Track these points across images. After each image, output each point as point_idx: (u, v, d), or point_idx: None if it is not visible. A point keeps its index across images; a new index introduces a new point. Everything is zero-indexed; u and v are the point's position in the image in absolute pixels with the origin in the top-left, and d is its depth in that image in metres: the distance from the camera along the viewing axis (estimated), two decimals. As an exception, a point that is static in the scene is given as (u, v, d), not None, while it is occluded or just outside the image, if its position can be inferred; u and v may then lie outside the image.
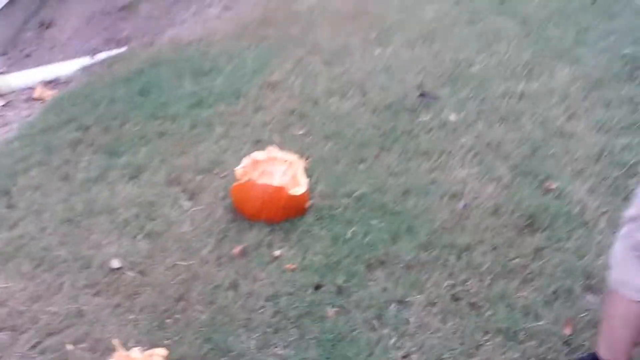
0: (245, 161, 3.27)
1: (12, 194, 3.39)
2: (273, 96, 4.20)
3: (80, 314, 2.65)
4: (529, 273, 2.73)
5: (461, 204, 3.15)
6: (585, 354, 2.26)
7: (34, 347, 2.51)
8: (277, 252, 2.93)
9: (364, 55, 4.53)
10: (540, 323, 2.49)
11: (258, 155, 3.31)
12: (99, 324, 2.59)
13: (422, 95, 4.06)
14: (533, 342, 2.41)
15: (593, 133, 3.54)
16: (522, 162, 3.39)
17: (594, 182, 3.18)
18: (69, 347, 2.48)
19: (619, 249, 2.00)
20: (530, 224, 2.98)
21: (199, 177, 3.47)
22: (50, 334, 2.56)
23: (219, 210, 3.21)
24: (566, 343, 2.40)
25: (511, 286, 2.66)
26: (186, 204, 3.28)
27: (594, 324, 2.44)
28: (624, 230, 1.98)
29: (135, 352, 2.38)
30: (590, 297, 2.60)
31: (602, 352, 2.11)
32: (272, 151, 3.33)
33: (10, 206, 3.31)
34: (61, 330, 2.57)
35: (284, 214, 3.11)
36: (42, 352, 2.47)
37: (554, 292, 2.62)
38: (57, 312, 2.65)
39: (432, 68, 4.29)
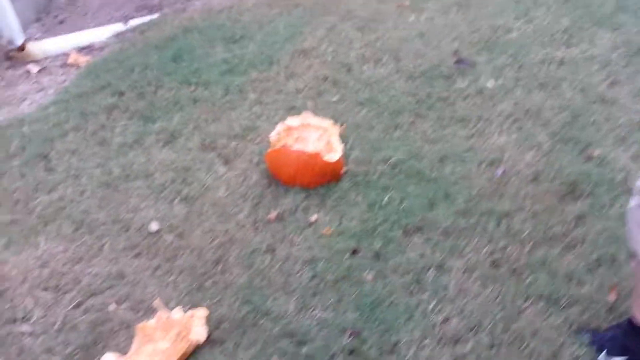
0: (280, 127, 3.26)
1: (50, 158, 3.41)
2: (306, 63, 4.16)
3: (121, 275, 2.67)
4: (571, 240, 2.69)
5: (499, 170, 3.11)
6: (621, 321, 2.23)
7: (77, 306, 2.54)
8: (313, 218, 2.92)
9: (397, 22, 4.46)
10: (583, 289, 2.46)
11: (292, 121, 3.29)
12: (139, 285, 2.61)
13: (458, 61, 3.99)
14: (576, 309, 2.38)
15: (636, 100, 3.46)
16: (562, 129, 3.32)
17: (638, 149, 3.11)
18: (112, 307, 2.50)
19: (637, 219, 1.95)
20: (572, 191, 2.94)
21: (233, 143, 3.47)
22: (92, 295, 2.59)
23: (254, 176, 3.20)
24: (610, 310, 2.37)
25: (552, 253, 2.63)
26: (221, 169, 3.28)
27: (639, 291, 2.42)
28: (636, 201, 1.94)
29: (176, 312, 2.41)
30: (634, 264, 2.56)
31: (638, 317, 2.08)
32: (306, 117, 3.31)
33: (48, 170, 3.34)
34: (103, 291, 2.60)
35: (318, 180, 3.10)
36: (85, 312, 2.50)
37: (597, 259, 2.58)
38: (99, 274, 2.68)
39: (468, 34, 4.22)
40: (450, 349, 2.27)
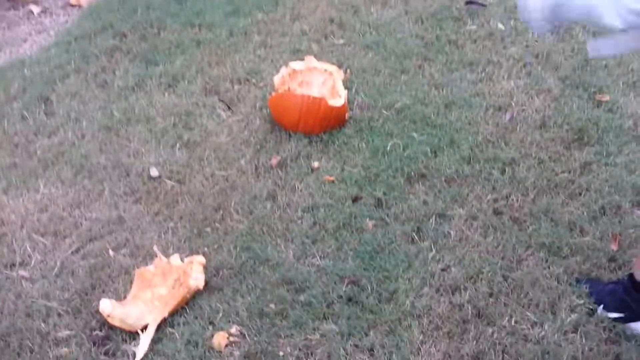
0: (284, 71, 3.19)
1: (51, 101, 3.38)
2: (312, 4, 4.06)
3: (120, 220, 2.66)
4: (576, 188, 2.64)
5: (507, 116, 3.04)
6: (622, 277, 2.20)
7: (76, 251, 2.54)
8: (315, 164, 2.89)
9: (407, -39, 4.31)
10: (585, 239, 2.42)
11: (296, 64, 3.22)
12: (139, 230, 2.61)
13: (468, 2, 3.87)
14: (577, 258, 2.35)
15: (650, 44, 3.35)
16: (572, 73, 3.23)
17: (649, 95, 3.03)
18: (111, 252, 2.50)
19: None
20: (579, 138, 2.87)
21: (236, 87, 3.41)
22: (91, 240, 2.58)
23: (257, 121, 3.16)
24: (612, 259, 2.34)
25: (556, 201, 2.59)
26: (224, 113, 3.23)
27: (641, 242, 2.38)
28: None
29: (175, 258, 2.40)
30: (639, 213, 2.52)
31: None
32: (311, 61, 3.23)
33: (49, 113, 3.31)
34: (102, 236, 2.60)
35: (322, 126, 3.04)
36: (84, 257, 2.50)
37: (602, 208, 2.54)
38: (98, 219, 2.67)
39: (480, -26, 4.08)
40: (449, 298, 2.25)
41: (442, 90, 3.26)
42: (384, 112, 3.14)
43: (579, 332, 2.12)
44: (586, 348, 2.07)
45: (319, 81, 3.18)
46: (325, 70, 3.19)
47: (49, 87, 3.48)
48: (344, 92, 3.08)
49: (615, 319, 2.13)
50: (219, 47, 3.75)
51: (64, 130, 3.17)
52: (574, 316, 2.16)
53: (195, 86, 3.43)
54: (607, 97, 3.05)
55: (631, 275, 2.08)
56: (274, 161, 2.92)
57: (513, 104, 3.12)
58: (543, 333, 2.12)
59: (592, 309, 2.18)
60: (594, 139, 2.86)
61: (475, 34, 3.64)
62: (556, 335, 2.11)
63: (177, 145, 3.05)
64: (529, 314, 2.18)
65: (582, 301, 2.20)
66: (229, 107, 3.26)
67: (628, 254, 2.35)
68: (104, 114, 3.27)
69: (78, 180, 2.88)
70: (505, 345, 2.09)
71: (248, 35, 3.84)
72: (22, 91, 3.47)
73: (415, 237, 2.51)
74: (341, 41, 3.72)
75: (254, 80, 3.45)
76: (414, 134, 2.99)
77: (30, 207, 2.74)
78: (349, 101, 3.18)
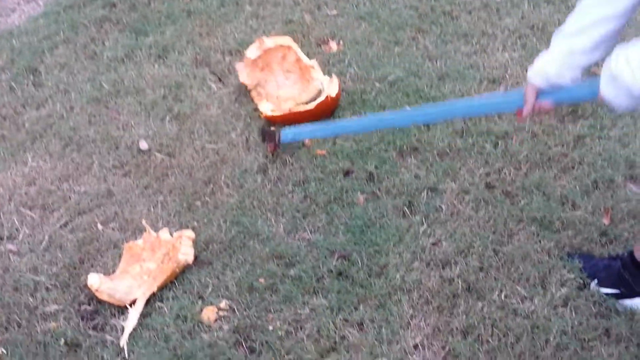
0: (254, 49, 3.07)
1: (40, 72, 3.33)
2: (305, -27, 3.99)
3: (109, 194, 2.64)
4: (569, 162, 2.62)
5: (501, 88, 3.00)
6: (622, 253, 2.18)
7: (64, 225, 2.52)
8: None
9: None
10: (577, 213, 2.40)
11: (251, 52, 3.08)
12: (128, 204, 2.58)
13: (463, -27, 3.80)
14: (569, 232, 2.34)
15: (647, 15, 3.31)
16: (568, 45, 3.18)
17: (645, 68, 2.98)
18: (99, 226, 2.48)
19: None
20: (574, 111, 2.84)
21: (227, 58, 3.36)
22: (80, 213, 2.56)
23: (248, 93, 3.11)
24: (603, 233, 2.32)
25: (549, 175, 2.57)
26: (214, 85, 3.19)
27: (634, 215, 2.36)
28: None
29: (164, 233, 2.38)
30: (632, 187, 2.50)
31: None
32: (262, 43, 3.08)
33: (37, 84, 3.26)
34: (91, 209, 2.58)
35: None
36: (73, 231, 2.48)
37: (594, 182, 2.52)
38: (87, 192, 2.65)
39: (476, -57, 4.00)
40: (439, 272, 2.24)
41: (436, 62, 3.22)
42: (377, 84, 3.10)
43: (568, 307, 2.11)
44: (576, 322, 2.06)
45: (278, 58, 3.08)
46: (281, 45, 3.09)
47: (38, 58, 3.43)
48: (312, 62, 3.00)
49: (609, 295, 2.12)
50: (210, 17, 3.69)
51: (53, 102, 3.13)
52: (564, 290, 2.15)
53: (186, 57, 3.38)
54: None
55: (631, 253, 2.06)
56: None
57: (507, 76, 3.08)
58: (533, 307, 2.12)
59: (582, 284, 2.17)
60: (588, 112, 2.82)
61: (470, 5, 3.58)
62: (546, 310, 2.10)
63: (167, 117, 3.01)
64: (519, 288, 2.18)
65: (572, 275, 2.19)
66: (220, 79, 3.22)
67: (619, 228, 2.33)
68: (93, 85, 3.23)
69: (67, 153, 2.85)
70: (495, 320, 2.08)
71: (240, 5, 3.78)
72: (10, 62, 3.42)
73: (407, 211, 2.49)
74: (334, 12, 3.66)
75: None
76: (407, 107, 2.95)
77: (18, 180, 2.71)
78: (342, 74, 3.14)
